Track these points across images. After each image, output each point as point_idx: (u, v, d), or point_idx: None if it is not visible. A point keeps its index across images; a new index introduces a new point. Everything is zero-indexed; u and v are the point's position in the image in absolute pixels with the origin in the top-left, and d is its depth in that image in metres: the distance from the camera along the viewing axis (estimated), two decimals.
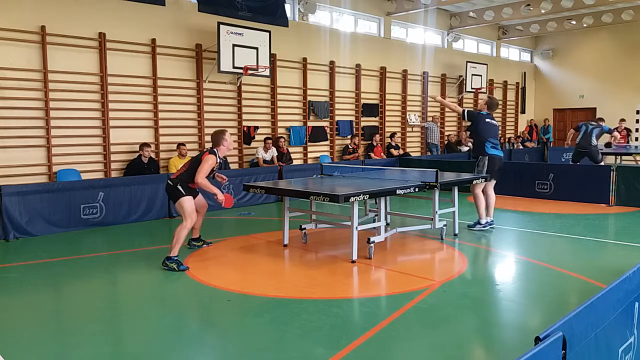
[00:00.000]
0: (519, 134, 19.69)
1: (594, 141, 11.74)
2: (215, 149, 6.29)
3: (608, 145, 13.93)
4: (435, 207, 7.03)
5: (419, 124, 16.15)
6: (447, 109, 17.20)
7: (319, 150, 13.52)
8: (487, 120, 7.88)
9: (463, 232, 7.66)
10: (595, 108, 19.15)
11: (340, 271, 5.79)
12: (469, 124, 8.35)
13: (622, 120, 16.37)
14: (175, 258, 5.87)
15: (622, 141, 15.66)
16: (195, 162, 6.14)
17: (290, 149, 12.58)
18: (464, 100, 17.85)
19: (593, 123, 12.02)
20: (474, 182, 7.61)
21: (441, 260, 6.46)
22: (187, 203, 6.04)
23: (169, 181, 6.18)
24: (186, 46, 10.80)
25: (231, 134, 11.24)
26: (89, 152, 9.58)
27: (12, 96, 8.65)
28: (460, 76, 17.20)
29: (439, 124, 16.29)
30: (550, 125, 19.90)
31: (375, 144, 14.28)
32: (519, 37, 19.60)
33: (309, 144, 13.18)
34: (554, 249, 7.06)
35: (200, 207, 6.51)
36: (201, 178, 5.99)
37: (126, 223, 8.60)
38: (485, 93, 18.09)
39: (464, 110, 8.15)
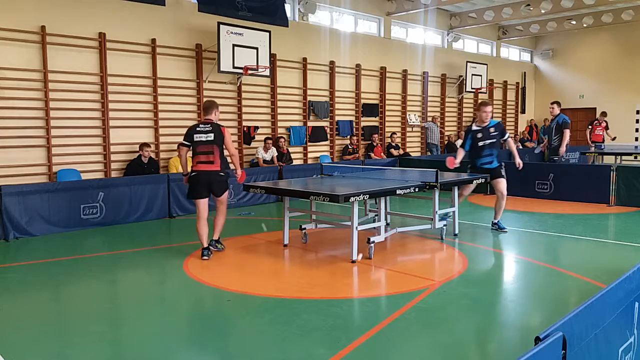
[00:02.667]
0: (518, 134, 19.69)
1: None
2: (215, 119, 6.44)
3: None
4: (435, 207, 7.03)
5: (419, 124, 16.14)
6: (446, 110, 17.22)
7: (319, 150, 13.52)
8: None
9: (463, 232, 7.66)
10: (595, 108, 19.14)
11: (340, 271, 5.79)
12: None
13: (603, 114, 15.90)
14: (219, 239, 6.60)
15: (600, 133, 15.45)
16: (219, 140, 6.27)
17: (290, 149, 12.58)
18: (464, 101, 17.86)
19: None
20: (474, 182, 7.63)
21: (441, 260, 6.46)
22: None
23: (220, 173, 6.32)
24: (186, 46, 10.80)
25: (231, 134, 11.25)
26: (89, 152, 9.58)
27: (12, 96, 8.65)
28: (460, 76, 17.20)
29: (438, 124, 16.28)
30: None
31: (375, 144, 14.28)
32: (519, 37, 19.60)
33: (309, 144, 13.18)
34: (554, 249, 7.06)
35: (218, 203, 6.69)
36: (234, 149, 6.53)
37: (126, 223, 8.59)
38: (485, 93, 18.11)
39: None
